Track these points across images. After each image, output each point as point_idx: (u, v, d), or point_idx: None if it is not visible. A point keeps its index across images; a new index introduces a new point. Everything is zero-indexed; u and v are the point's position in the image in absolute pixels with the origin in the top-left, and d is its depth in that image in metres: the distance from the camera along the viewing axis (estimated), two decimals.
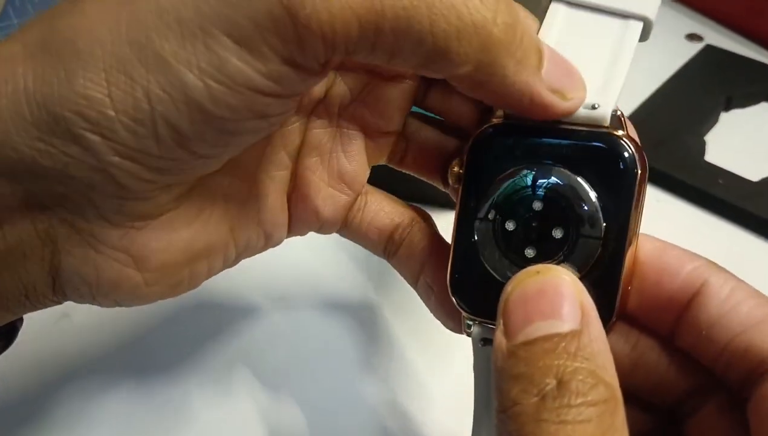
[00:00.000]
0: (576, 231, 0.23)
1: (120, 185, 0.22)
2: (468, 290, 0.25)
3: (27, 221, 0.22)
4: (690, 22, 0.68)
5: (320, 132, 0.28)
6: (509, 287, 0.22)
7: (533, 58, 0.23)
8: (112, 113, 0.20)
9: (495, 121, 0.25)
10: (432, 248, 0.28)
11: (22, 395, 0.37)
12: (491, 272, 0.24)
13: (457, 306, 0.25)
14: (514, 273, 0.22)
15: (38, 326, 0.40)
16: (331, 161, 0.28)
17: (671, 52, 0.63)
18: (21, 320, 0.28)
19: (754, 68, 0.61)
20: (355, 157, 0.28)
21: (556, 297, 0.21)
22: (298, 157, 0.28)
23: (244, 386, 0.38)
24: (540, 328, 0.20)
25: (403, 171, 0.30)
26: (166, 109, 0.20)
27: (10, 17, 0.51)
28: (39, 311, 0.38)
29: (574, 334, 0.20)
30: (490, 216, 0.24)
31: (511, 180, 0.24)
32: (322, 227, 0.29)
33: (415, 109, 0.29)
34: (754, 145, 0.55)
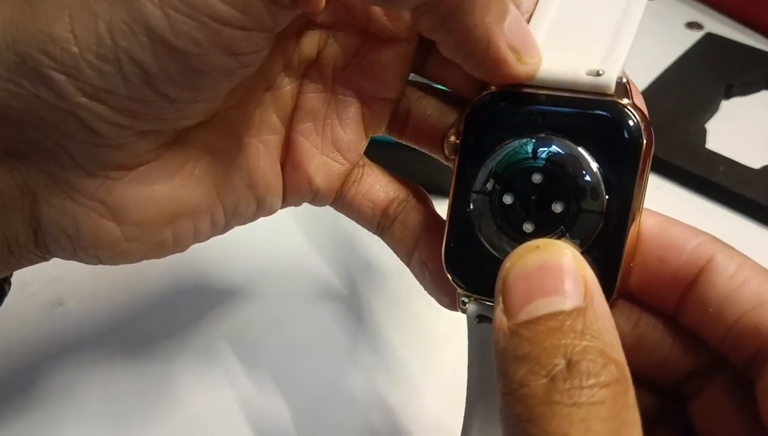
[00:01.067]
0: (577, 204, 0.22)
1: (90, 129, 0.21)
2: (464, 265, 0.24)
3: (4, 170, 0.22)
4: (690, 10, 0.68)
5: (314, 97, 0.27)
6: (508, 263, 0.21)
7: (499, 5, 0.22)
8: (75, 50, 0.20)
9: (493, 88, 0.24)
10: (427, 223, 0.27)
11: (15, 378, 0.37)
12: (488, 247, 0.23)
13: (453, 282, 0.24)
14: (512, 248, 0.21)
15: (33, 313, 0.40)
16: (325, 128, 0.27)
17: (671, 41, 0.63)
18: (9, 283, 0.28)
19: (754, 56, 0.61)
20: (350, 125, 0.27)
21: (557, 273, 0.20)
22: (291, 122, 0.27)
23: (231, 373, 0.38)
24: (542, 305, 0.19)
25: (404, 143, 0.29)
26: (129, 44, 0.20)
27: None
28: (33, 299, 0.38)
29: (579, 311, 0.19)
30: (487, 188, 0.23)
31: (510, 150, 0.23)
32: (316, 198, 0.28)
33: (415, 78, 0.28)
34: (754, 133, 0.55)
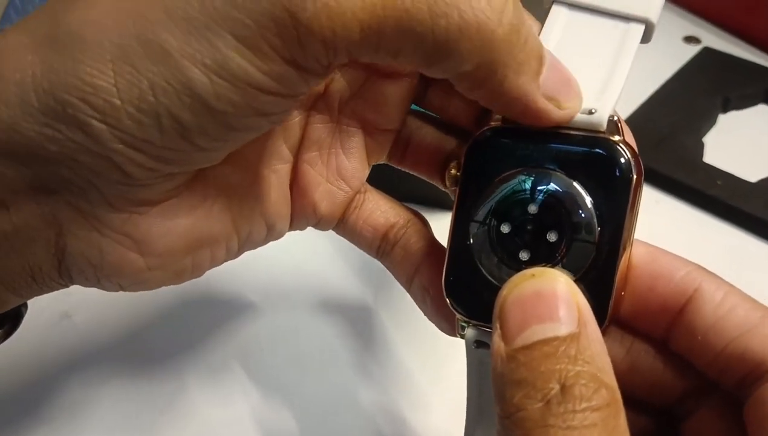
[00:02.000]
0: (571, 235, 0.23)
1: (123, 172, 0.22)
2: (463, 292, 0.25)
3: (33, 204, 0.23)
4: (687, 24, 0.69)
5: (320, 127, 0.28)
6: (505, 291, 0.22)
7: (534, 63, 0.23)
8: (117, 102, 0.21)
9: (493, 124, 0.25)
10: (427, 249, 0.28)
11: (23, 392, 0.38)
12: (487, 275, 0.24)
13: (452, 308, 0.25)
14: (509, 277, 0.22)
15: (40, 326, 0.40)
16: (330, 157, 0.28)
17: (669, 55, 0.63)
18: (26, 306, 0.28)
19: (751, 70, 0.61)
20: (354, 154, 0.28)
21: (552, 300, 0.21)
22: (298, 151, 0.28)
23: (240, 386, 0.38)
24: (538, 331, 0.20)
25: (404, 170, 0.30)
26: (170, 102, 0.21)
27: (11, 19, 0.51)
28: (41, 312, 0.39)
29: (573, 337, 0.20)
30: (487, 219, 0.24)
31: (509, 184, 0.24)
32: (320, 223, 0.29)
33: (415, 107, 0.29)
34: (752, 146, 0.55)
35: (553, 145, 0.24)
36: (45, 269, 0.24)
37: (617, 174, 0.23)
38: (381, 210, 0.29)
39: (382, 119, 0.28)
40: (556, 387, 0.19)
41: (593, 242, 0.23)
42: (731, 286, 0.24)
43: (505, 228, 0.24)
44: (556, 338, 0.20)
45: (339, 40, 0.21)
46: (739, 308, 0.23)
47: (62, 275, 0.25)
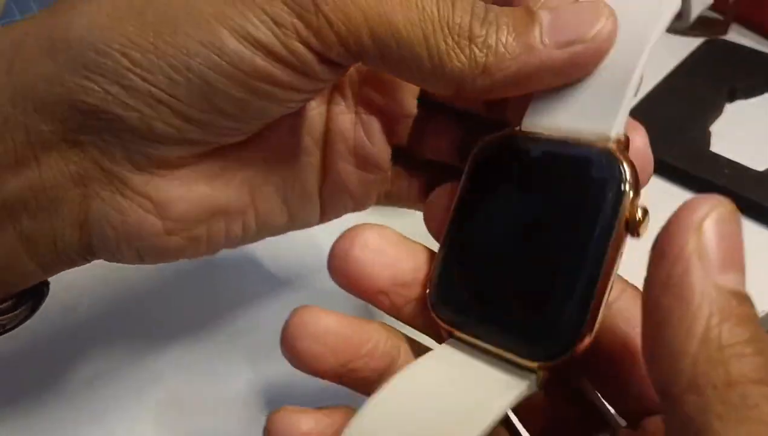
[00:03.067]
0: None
1: (150, 127, 0.24)
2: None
3: (62, 161, 0.24)
4: None
5: (342, 118, 0.29)
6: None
7: (518, 20, 0.23)
8: (154, 58, 0.23)
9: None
10: None
11: (27, 384, 0.38)
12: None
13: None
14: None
15: (45, 318, 0.40)
16: (356, 146, 0.29)
17: (674, 45, 0.63)
18: (47, 286, 0.30)
19: (757, 59, 0.61)
20: (376, 139, 0.29)
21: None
22: (325, 146, 0.29)
23: (245, 378, 0.39)
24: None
25: (422, 157, 0.31)
26: (202, 60, 0.23)
27: (13, 14, 0.52)
28: (46, 305, 0.39)
29: None
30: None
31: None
32: (356, 208, 0.31)
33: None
34: (758, 135, 0.55)
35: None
36: (67, 234, 0.26)
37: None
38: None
39: (395, 105, 0.29)
40: None
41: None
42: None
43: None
44: None
45: (351, 38, 0.23)
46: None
47: (82, 244, 0.26)
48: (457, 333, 0.24)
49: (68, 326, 0.41)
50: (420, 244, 0.26)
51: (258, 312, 0.42)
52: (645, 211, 0.22)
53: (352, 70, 0.29)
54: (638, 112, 0.54)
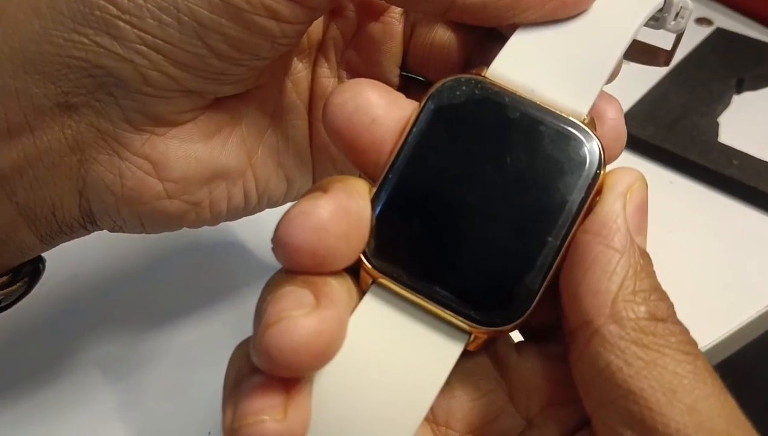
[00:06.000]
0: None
1: (143, 78, 0.23)
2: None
3: (57, 126, 0.24)
4: (699, 6, 0.68)
5: (325, 81, 0.29)
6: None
7: None
8: (141, 1, 0.22)
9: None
10: None
11: (29, 377, 0.38)
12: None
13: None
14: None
15: (48, 311, 0.40)
16: None
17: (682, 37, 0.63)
18: (43, 263, 0.29)
19: (764, 50, 0.61)
20: None
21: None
22: (311, 108, 0.29)
23: None
24: None
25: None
26: None
27: None
28: (49, 298, 0.39)
29: None
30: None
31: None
32: (339, 173, 0.30)
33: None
34: (767, 126, 0.54)
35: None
36: (66, 203, 0.25)
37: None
38: None
39: (377, 71, 0.28)
40: None
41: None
42: None
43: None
44: None
45: None
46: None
47: (82, 211, 0.25)
48: (390, 284, 0.22)
49: (67, 309, 0.41)
50: None
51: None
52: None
53: (336, 32, 0.28)
54: (645, 104, 0.55)
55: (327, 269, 0.20)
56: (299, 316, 0.18)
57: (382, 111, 0.22)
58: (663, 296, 0.21)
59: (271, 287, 0.20)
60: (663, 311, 0.20)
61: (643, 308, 0.20)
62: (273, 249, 0.20)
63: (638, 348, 0.19)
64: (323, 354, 0.19)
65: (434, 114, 0.22)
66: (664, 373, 0.19)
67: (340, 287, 0.20)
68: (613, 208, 0.21)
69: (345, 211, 0.20)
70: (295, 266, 0.20)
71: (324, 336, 0.18)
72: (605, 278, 0.20)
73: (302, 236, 0.19)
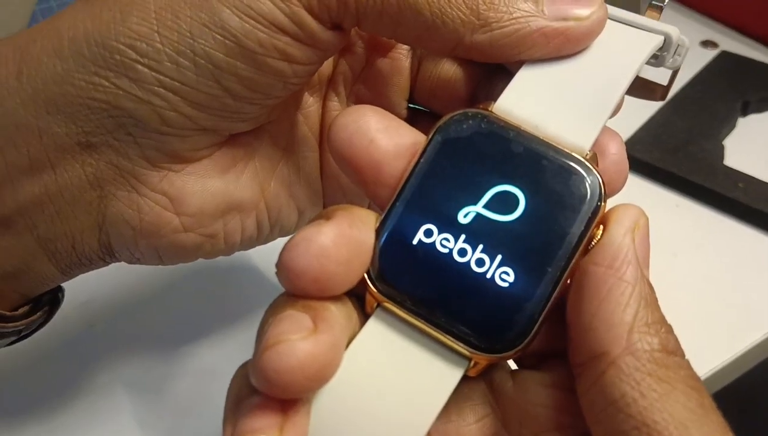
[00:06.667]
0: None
1: (161, 118, 0.24)
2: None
3: (77, 164, 0.25)
4: (704, 29, 0.69)
5: (335, 114, 0.30)
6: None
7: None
8: (159, 46, 0.23)
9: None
10: None
11: (44, 400, 0.38)
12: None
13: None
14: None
15: (63, 334, 0.41)
16: None
17: (687, 59, 0.62)
18: (62, 292, 0.30)
19: None
20: None
21: None
22: (321, 141, 0.30)
23: None
24: None
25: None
26: (206, 42, 0.23)
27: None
28: (64, 322, 0.39)
29: None
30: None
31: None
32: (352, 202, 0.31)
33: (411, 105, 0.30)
34: None
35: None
36: (86, 236, 0.26)
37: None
38: None
39: (385, 104, 0.29)
40: None
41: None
42: None
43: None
44: None
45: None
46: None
47: (101, 244, 0.26)
48: (393, 308, 0.22)
49: (82, 333, 0.42)
50: None
51: None
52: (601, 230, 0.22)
53: (346, 68, 0.29)
54: (650, 127, 0.55)
55: (328, 293, 0.21)
56: (296, 339, 0.19)
57: (379, 134, 0.23)
58: (670, 329, 0.21)
59: (272, 310, 0.21)
60: (673, 344, 0.20)
61: (656, 340, 0.20)
62: (277, 273, 0.21)
63: (653, 380, 0.20)
64: (318, 377, 0.19)
65: (441, 146, 0.23)
66: (677, 407, 0.19)
67: (339, 313, 0.21)
68: (624, 241, 0.21)
69: (346, 238, 0.21)
70: (297, 290, 0.21)
71: (319, 359, 0.19)
72: (620, 309, 0.20)
73: (305, 262, 0.20)
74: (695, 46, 0.66)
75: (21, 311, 0.28)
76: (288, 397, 0.19)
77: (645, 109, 0.56)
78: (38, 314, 0.29)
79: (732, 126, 0.57)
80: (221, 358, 0.41)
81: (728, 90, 0.59)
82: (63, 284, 0.30)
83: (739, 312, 0.43)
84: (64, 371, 0.40)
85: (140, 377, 0.40)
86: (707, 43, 0.66)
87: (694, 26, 0.69)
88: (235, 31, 0.23)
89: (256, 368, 0.19)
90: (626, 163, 0.25)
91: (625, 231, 0.21)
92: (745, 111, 0.58)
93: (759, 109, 0.58)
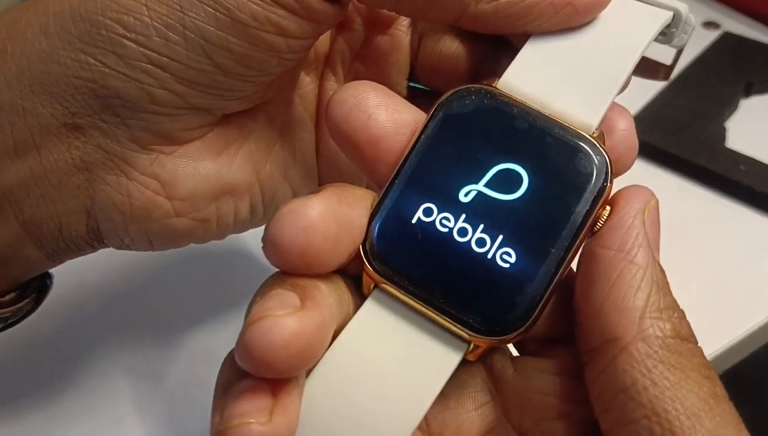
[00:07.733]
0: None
1: (150, 96, 0.23)
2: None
3: (63, 147, 0.24)
4: (706, 9, 0.68)
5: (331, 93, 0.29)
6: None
7: None
8: (147, 19, 0.22)
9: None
10: None
11: (34, 383, 0.38)
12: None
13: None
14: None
15: (53, 318, 0.41)
16: None
17: (689, 41, 0.62)
18: (51, 278, 0.29)
19: None
20: None
21: None
22: (318, 121, 0.29)
23: None
24: None
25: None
26: (196, 14, 0.22)
27: None
28: (54, 305, 0.39)
29: None
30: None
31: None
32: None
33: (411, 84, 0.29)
34: None
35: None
36: (73, 221, 0.25)
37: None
38: None
39: (385, 83, 0.28)
40: None
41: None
42: None
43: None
44: None
45: None
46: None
47: (89, 229, 0.25)
48: (391, 289, 0.22)
49: (72, 319, 0.41)
50: None
51: None
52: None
53: (344, 45, 0.28)
54: (654, 107, 0.55)
55: (316, 269, 0.20)
56: (281, 315, 0.18)
57: (378, 109, 0.22)
58: (683, 314, 0.20)
59: (261, 290, 0.20)
60: (686, 330, 0.20)
61: (668, 326, 0.20)
62: (263, 248, 0.20)
63: (665, 368, 0.19)
64: (303, 355, 0.19)
65: (442, 122, 0.22)
66: (689, 396, 0.19)
67: (329, 292, 0.21)
68: (634, 223, 0.21)
69: (334, 212, 0.20)
70: (284, 264, 0.20)
71: (304, 337, 0.19)
72: (631, 293, 0.20)
73: (291, 235, 0.20)
74: (697, 27, 0.65)
75: (8, 297, 0.27)
76: (273, 376, 0.19)
77: (647, 91, 0.56)
78: (26, 300, 0.28)
79: (734, 108, 0.56)
80: (216, 341, 0.40)
81: (731, 71, 0.59)
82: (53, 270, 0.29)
83: (741, 295, 0.43)
84: (55, 357, 0.40)
85: (133, 362, 0.39)
86: (709, 24, 0.66)
87: (696, 7, 0.69)
88: (227, 3, 0.22)
89: (239, 345, 0.18)
90: (636, 140, 0.24)
91: (636, 213, 0.21)
92: (748, 92, 0.57)
93: (762, 91, 0.58)
